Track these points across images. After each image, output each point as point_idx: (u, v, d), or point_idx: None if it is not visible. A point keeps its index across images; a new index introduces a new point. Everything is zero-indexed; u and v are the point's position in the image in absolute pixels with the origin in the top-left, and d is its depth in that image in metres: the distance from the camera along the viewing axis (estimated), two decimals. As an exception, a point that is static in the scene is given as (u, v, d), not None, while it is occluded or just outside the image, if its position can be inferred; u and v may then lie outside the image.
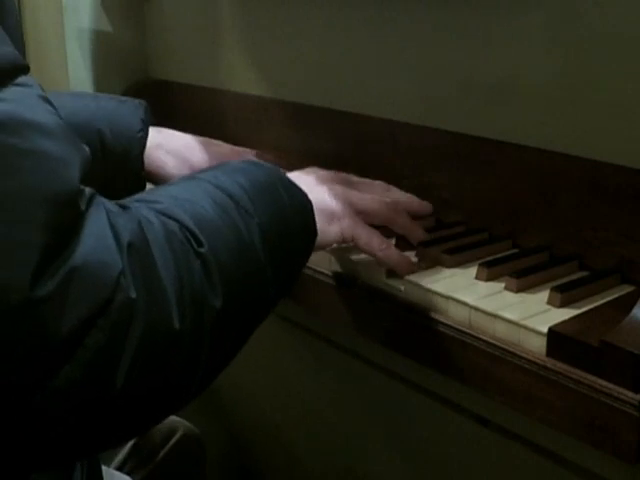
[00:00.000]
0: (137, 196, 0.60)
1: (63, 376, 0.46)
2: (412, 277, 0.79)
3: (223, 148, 1.03)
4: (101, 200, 0.52)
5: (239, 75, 1.25)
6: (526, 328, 0.69)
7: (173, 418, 1.06)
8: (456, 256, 0.83)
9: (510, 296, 0.76)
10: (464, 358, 0.72)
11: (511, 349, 0.68)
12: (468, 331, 0.72)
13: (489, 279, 0.79)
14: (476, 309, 0.73)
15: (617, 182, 0.78)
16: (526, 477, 0.88)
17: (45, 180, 0.47)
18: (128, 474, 0.95)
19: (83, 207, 0.49)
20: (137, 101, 0.98)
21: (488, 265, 0.80)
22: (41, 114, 0.50)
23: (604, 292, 0.76)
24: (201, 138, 1.02)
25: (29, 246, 0.45)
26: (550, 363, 0.65)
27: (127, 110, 0.96)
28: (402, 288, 0.80)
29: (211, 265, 0.55)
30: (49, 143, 0.49)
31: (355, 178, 0.83)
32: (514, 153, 0.87)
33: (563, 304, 0.73)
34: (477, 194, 0.92)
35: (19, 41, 0.57)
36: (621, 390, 0.61)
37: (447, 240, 0.88)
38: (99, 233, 0.49)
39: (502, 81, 0.88)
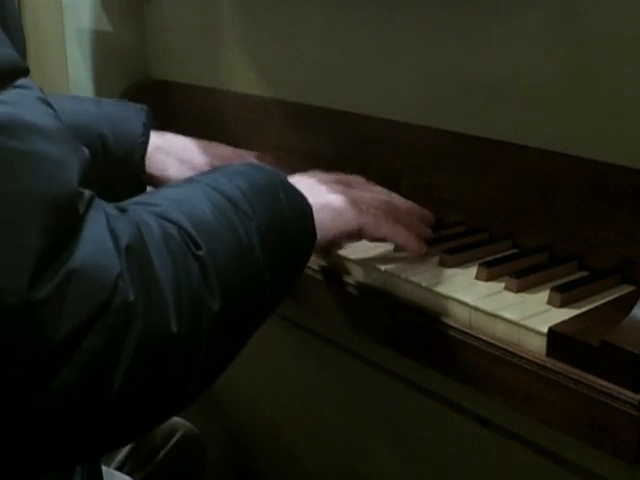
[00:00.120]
0: (136, 199, 0.60)
1: (61, 378, 0.46)
2: (412, 277, 0.79)
3: (224, 150, 1.03)
4: (100, 203, 0.52)
5: (239, 75, 1.25)
6: (526, 328, 0.69)
7: (173, 418, 1.06)
8: (456, 256, 0.84)
9: (510, 296, 0.76)
10: (464, 358, 0.72)
11: (511, 349, 0.68)
12: (468, 331, 0.72)
13: (489, 279, 0.79)
14: (476, 309, 0.73)
15: (617, 182, 0.78)
16: (526, 477, 0.88)
17: (44, 183, 0.47)
18: (128, 474, 0.95)
19: (82, 210, 0.49)
20: (139, 106, 0.98)
21: (488, 265, 0.80)
22: (40, 117, 0.50)
23: (604, 292, 0.76)
24: (201, 141, 1.02)
25: (27, 248, 0.45)
26: (550, 363, 0.65)
27: (129, 114, 0.96)
28: (402, 288, 0.80)
29: (209, 268, 0.55)
30: (48, 146, 0.49)
31: (355, 179, 0.83)
32: (514, 153, 0.87)
33: (563, 304, 0.73)
34: (477, 194, 0.92)
35: (20, 41, 0.57)
36: (621, 390, 0.61)
37: (447, 240, 0.88)
38: (97, 236, 0.49)
39: (502, 81, 0.88)
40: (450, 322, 0.74)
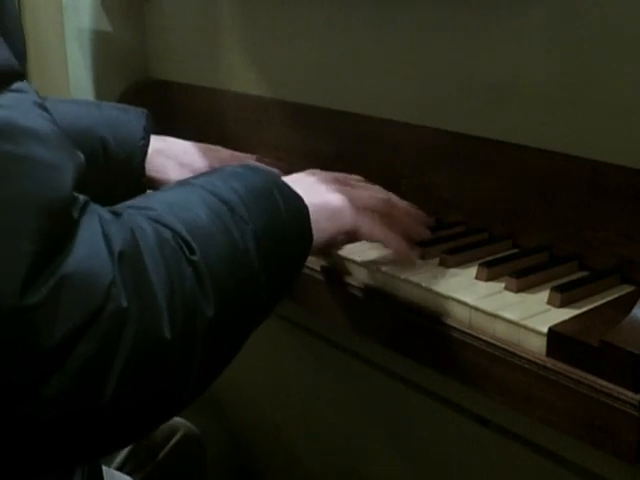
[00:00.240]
0: (130, 202, 0.59)
1: (53, 384, 0.46)
2: (412, 277, 0.79)
3: (223, 154, 1.03)
4: (94, 208, 0.51)
5: (239, 75, 1.25)
6: (526, 328, 0.69)
7: (174, 418, 1.06)
8: (456, 256, 0.84)
9: (510, 296, 0.76)
10: (464, 358, 0.72)
11: (511, 349, 0.68)
12: (468, 331, 0.72)
13: (489, 279, 0.79)
14: (476, 309, 0.73)
15: (617, 182, 0.78)
16: (526, 477, 0.88)
17: (38, 187, 0.47)
18: (128, 474, 0.95)
19: (76, 215, 0.49)
20: (139, 109, 0.98)
21: (488, 265, 0.80)
22: (36, 121, 0.50)
23: (604, 292, 0.76)
24: (201, 144, 1.02)
25: (20, 253, 0.45)
26: (550, 363, 0.65)
27: (130, 118, 0.96)
28: (402, 288, 0.80)
29: (203, 273, 0.55)
30: (43, 150, 0.49)
31: (353, 178, 0.83)
32: (514, 153, 0.87)
33: (563, 304, 0.73)
34: (477, 194, 0.92)
35: (21, 42, 0.57)
36: (621, 390, 0.61)
37: (447, 240, 0.88)
38: (91, 241, 0.49)
39: (502, 81, 0.88)
40: (450, 322, 0.74)
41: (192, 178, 0.67)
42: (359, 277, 0.84)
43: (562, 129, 0.83)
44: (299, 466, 1.27)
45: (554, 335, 0.66)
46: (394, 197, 0.84)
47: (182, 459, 1.06)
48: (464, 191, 0.93)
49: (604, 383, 0.62)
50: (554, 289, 0.74)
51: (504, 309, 0.72)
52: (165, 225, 0.55)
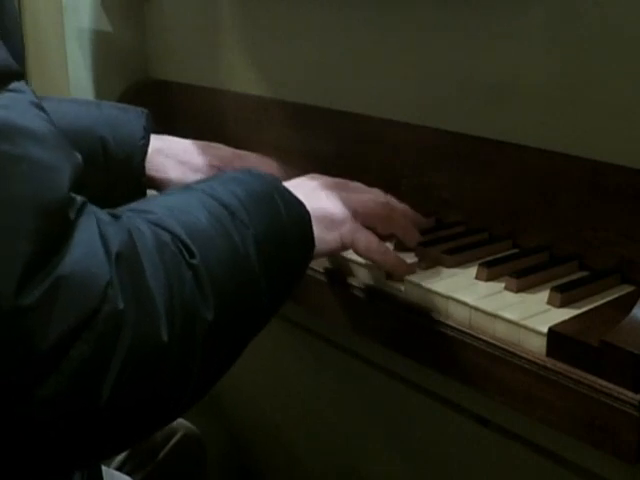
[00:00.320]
0: (130, 205, 0.59)
1: (50, 385, 0.46)
2: (412, 277, 0.79)
3: (223, 151, 1.02)
4: (92, 209, 0.51)
5: (239, 75, 1.25)
6: (526, 328, 0.69)
7: (174, 418, 1.05)
8: (456, 256, 0.84)
9: (510, 296, 0.76)
10: (464, 358, 0.72)
11: (511, 349, 0.68)
12: (468, 331, 0.72)
13: (489, 279, 0.79)
14: (476, 309, 0.73)
15: (617, 182, 0.78)
16: (526, 477, 0.88)
17: (35, 187, 0.47)
18: (128, 474, 0.95)
19: (73, 216, 0.48)
20: (139, 109, 0.98)
21: (488, 265, 0.80)
22: (33, 121, 0.50)
23: (604, 292, 0.76)
24: (201, 142, 1.02)
25: (15, 253, 0.45)
26: (550, 363, 0.65)
27: (129, 117, 0.96)
28: (402, 288, 0.80)
29: (203, 277, 0.54)
30: (40, 150, 0.48)
31: (353, 184, 0.83)
32: (514, 153, 0.87)
33: (563, 304, 0.73)
34: (477, 194, 0.92)
35: (19, 42, 0.57)
36: (621, 390, 0.61)
37: (447, 240, 0.88)
38: (88, 242, 0.48)
39: (502, 81, 0.88)
40: (450, 322, 0.74)
41: (193, 183, 0.66)
42: (359, 277, 0.84)
43: (562, 129, 0.83)
44: (299, 466, 1.27)
45: (554, 335, 0.66)
46: (392, 200, 0.83)
47: (182, 459, 1.06)
48: (464, 191, 0.93)
49: (604, 383, 0.62)
50: (554, 289, 0.74)
51: (504, 309, 0.72)
52: (165, 228, 0.55)
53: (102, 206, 0.53)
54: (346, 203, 0.76)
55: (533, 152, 0.85)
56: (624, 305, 0.69)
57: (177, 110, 1.37)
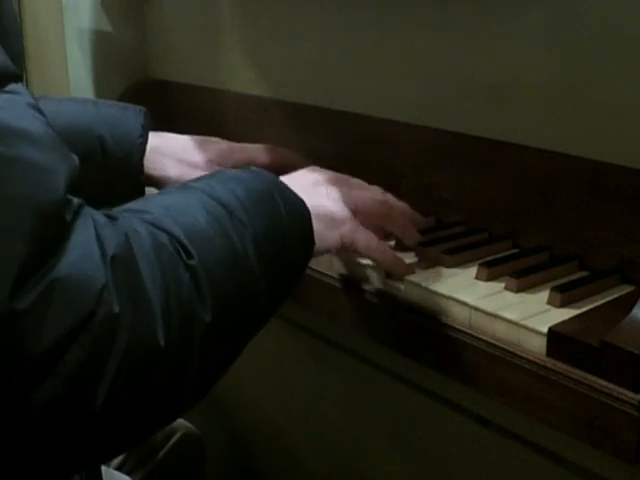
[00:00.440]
0: (127, 205, 0.59)
1: (45, 389, 0.45)
2: (412, 277, 0.79)
3: (221, 145, 1.02)
4: (89, 211, 0.51)
5: (239, 75, 1.25)
6: (526, 328, 0.69)
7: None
8: (456, 256, 0.83)
9: (510, 296, 0.76)
10: (464, 358, 0.72)
11: (511, 349, 0.68)
12: (468, 331, 0.72)
13: (489, 279, 0.79)
14: (476, 309, 0.73)
15: (617, 182, 0.78)
16: (526, 477, 0.88)
17: (30, 189, 0.47)
18: (128, 474, 0.95)
19: (69, 218, 0.48)
20: (137, 107, 0.98)
21: (488, 265, 0.80)
22: (29, 122, 0.49)
23: (604, 292, 0.76)
24: (198, 137, 1.02)
25: (10, 256, 0.45)
26: (550, 363, 0.65)
27: (128, 116, 0.96)
28: (402, 288, 0.80)
29: (201, 278, 0.54)
30: (36, 152, 0.48)
31: (353, 180, 0.83)
32: (514, 153, 0.87)
33: (563, 304, 0.73)
34: (477, 194, 0.92)
35: (18, 43, 0.57)
36: (621, 390, 0.61)
37: (447, 240, 0.88)
38: (85, 245, 0.48)
39: (502, 81, 0.88)
40: (450, 322, 0.74)
41: (191, 181, 0.66)
42: (359, 278, 0.84)
43: (562, 129, 0.83)
44: (300, 467, 1.27)
45: (554, 335, 0.66)
46: (392, 198, 0.83)
47: (182, 459, 1.06)
48: (464, 191, 0.93)
49: (604, 383, 0.62)
50: (554, 289, 0.74)
51: (504, 309, 0.72)
52: (162, 229, 0.55)
53: (100, 204, 0.53)
54: (346, 200, 0.76)
55: (533, 152, 0.85)
56: (624, 305, 0.69)
57: (177, 110, 1.37)
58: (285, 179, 0.71)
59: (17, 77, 0.52)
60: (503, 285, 0.77)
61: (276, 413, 1.29)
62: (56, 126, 0.52)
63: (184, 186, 0.65)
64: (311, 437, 1.23)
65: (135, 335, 0.48)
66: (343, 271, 0.86)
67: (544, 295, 0.74)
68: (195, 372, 0.53)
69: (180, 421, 1.07)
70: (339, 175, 0.80)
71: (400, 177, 0.99)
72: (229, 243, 0.58)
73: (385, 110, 1.02)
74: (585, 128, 0.81)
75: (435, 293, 0.76)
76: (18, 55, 0.55)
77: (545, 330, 0.67)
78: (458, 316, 0.74)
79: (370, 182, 0.84)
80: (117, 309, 0.48)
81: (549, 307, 0.73)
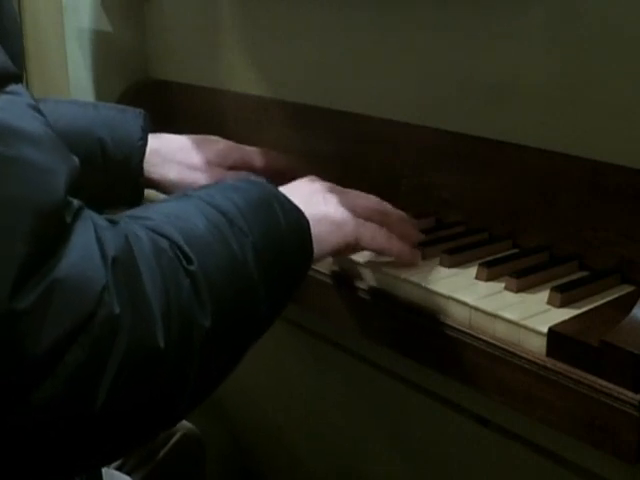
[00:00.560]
0: (128, 212, 0.59)
1: (44, 390, 0.45)
2: (412, 277, 0.79)
3: (220, 145, 1.02)
4: (89, 213, 0.51)
5: (239, 75, 1.25)
6: (526, 328, 0.69)
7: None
8: (456, 256, 0.83)
9: (510, 296, 0.76)
10: (464, 358, 0.72)
11: (511, 349, 0.68)
12: (468, 331, 0.72)
13: (489, 279, 0.79)
14: (476, 309, 0.73)
15: (617, 182, 0.78)
16: (526, 477, 0.88)
17: (30, 190, 0.47)
18: (128, 474, 0.95)
19: (69, 219, 0.48)
20: (137, 110, 0.98)
21: (488, 265, 0.80)
22: (29, 123, 0.49)
23: (604, 292, 0.76)
24: (198, 137, 1.02)
25: (10, 257, 0.44)
26: (550, 363, 0.65)
27: (127, 118, 0.96)
28: (400, 287, 0.80)
29: (201, 283, 0.54)
30: (35, 153, 0.48)
31: (351, 190, 0.83)
32: (514, 153, 0.87)
33: (563, 304, 0.73)
34: (477, 194, 0.92)
35: (18, 43, 0.57)
36: (621, 390, 0.61)
37: (447, 240, 0.88)
38: (85, 246, 0.48)
39: (502, 81, 0.88)
40: (450, 322, 0.74)
41: (191, 190, 0.66)
42: (359, 277, 0.84)
43: (562, 129, 0.83)
44: (301, 467, 1.27)
45: (554, 335, 0.66)
46: (389, 207, 0.83)
47: (182, 459, 1.06)
48: (464, 191, 0.93)
49: (604, 383, 0.62)
50: (554, 289, 0.74)
51: (504, 309, 0.72)
52: (162, 235, 0.55)
53: (100, 207, 0.53)
54: (345, 205, 0.76)
55: (533, 152, 0.85)
56: (624, 305, 0.69)
57: (177, 110, 1.37)
58: (284, 189, 0.71)
59: (17, 78, 0.52)
60: (503, 285, 0.77)
61: (276, 413, 1.29)
62: (56, 128, 0.52)
63: (184, 195, 0.65)
64: (311, 437, 1.23)
65: (135, 336, 0.48)
66: (344, 271, 0.86)
67: (544, 295, 0.74)
68: (194, 376, 0.53)
69: (181, 421, 1.07)
70: (336, 186, 0.80)
71: (400, 177, 0.99)
72: (228, 249, 0.58)
73: (385, 110, 1.02)
74: (585, 128, 0.81)
75: (435, 293, 0.76)
76: (18, 55, 0.55)
77: (545, 330, 0.67)
78: (458, 316, 0.74)
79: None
80: (117, 310, 0.48)
81: (549, 307, 0.73)
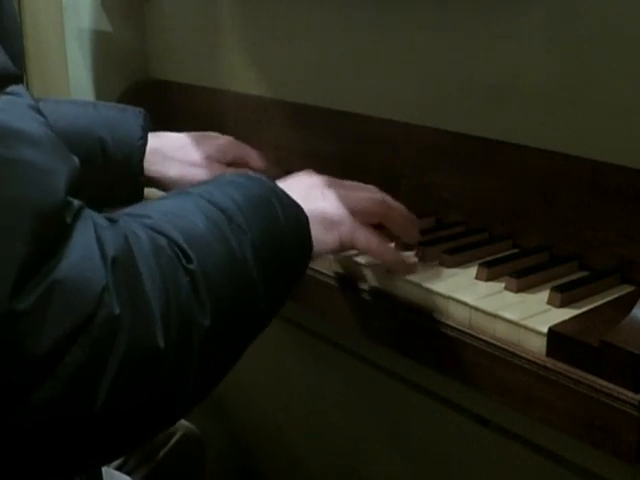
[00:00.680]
0: (127, 210, 0.59)
1: (44, 390, 0.45)
2: (412, 277, 0.79)
3: (220, 140, 1.02)
4: (89, 213, 0.51)
5: (239, 75, 1.25)
6: (526, 328, 0.69)
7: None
8: (456, 256, 0.83)
9: (510, 296, 0.76)
10: (464, 358, 0.72)
11: (511, 349, 0.68)
12: (468, 331, 0.72)
13: (489, 279, 0.79)
14: (476, 309, 0.73)
15: (617, 182, 0.78)
16: (526, 477, 0.88)
17: (30, 190, 0.47)
18: (128, 474, 0.95)
19: (69, 220, 0.48)
20: (137, 109, 0.98)
21: (488, 265, 0.80)
22: (29, 124, 0.49)
23: (604, 292, 0.76)
24: (197, 134, 1.02)
25: (10, 257, 0.44)
26: (550, 363, 0.65)
27: (127, 118, 0.96)
28: (400, 287, 0.79)
29: (200, 282, 0.54)
30: (35, 154, 0.48)
31: (349, 182, 0.83)
32: (514, 153, 0.87)
33: (563, 304, 0.73)
34: (477, 194, 0.92)
35: (18, 43, 0.57)
36: (621, 390, 0.61)
37: (447, 240, 0.88)
38: (85, 247, 0.48)
39: (502, 81, 0.88)
40: (450, 322, 0.74)
41: (190, 187, 0.66)
42: (359, 277, 0.84)
43: (562, 129, 0.83)
44: (301, 467, 1.27)
45: (554, 335, 0.66)
46: (389, 198, 0.83)
47: (182, 459, 1.06)
48: (464, 191, 0.93)
49: (604, 383, 0.62)
50: (554, 289, 0.74)
51: (504, 309, 0.72)
52: (161, 233, 0.55)
53: (100, 206, 0.53)
54: (343, 202, 0.76)
55: (533, 152, 0.85)
56: (624, 305, 0.69)
57: (177, 110, 1.37)
58: (282, 184, 0.70)
59: (18, 78, 0.52)
60: (503, 285, 0.77)
61: (276, 413, 1.29)
62: (56, 128, 0.52)
63: (182, 192, 0.65)
64: (311, 437, 1.23)
65: (135, 336, 0.48)
66: (344, 272, 0.86)
67: (544, 295, 0.74)
68: (193, 376, 0.53)
69: (180, 421, 1.07)
70: (334, 179, 0.80)
71: (400, 177, 0.99)
72: (227, 247, 0.58)
73: (385, 110, 1.02)
74: (585, 128, 0.81)
75: (435, 293, 0.76)
76: (18, 55, 0.55)
77: (545, 330, 0.67)
78: (458, 316, 0.74)
79: (370, 182, 0.84)
80: (117, 311, 0.48)
81: (549, 307, 0.73)
